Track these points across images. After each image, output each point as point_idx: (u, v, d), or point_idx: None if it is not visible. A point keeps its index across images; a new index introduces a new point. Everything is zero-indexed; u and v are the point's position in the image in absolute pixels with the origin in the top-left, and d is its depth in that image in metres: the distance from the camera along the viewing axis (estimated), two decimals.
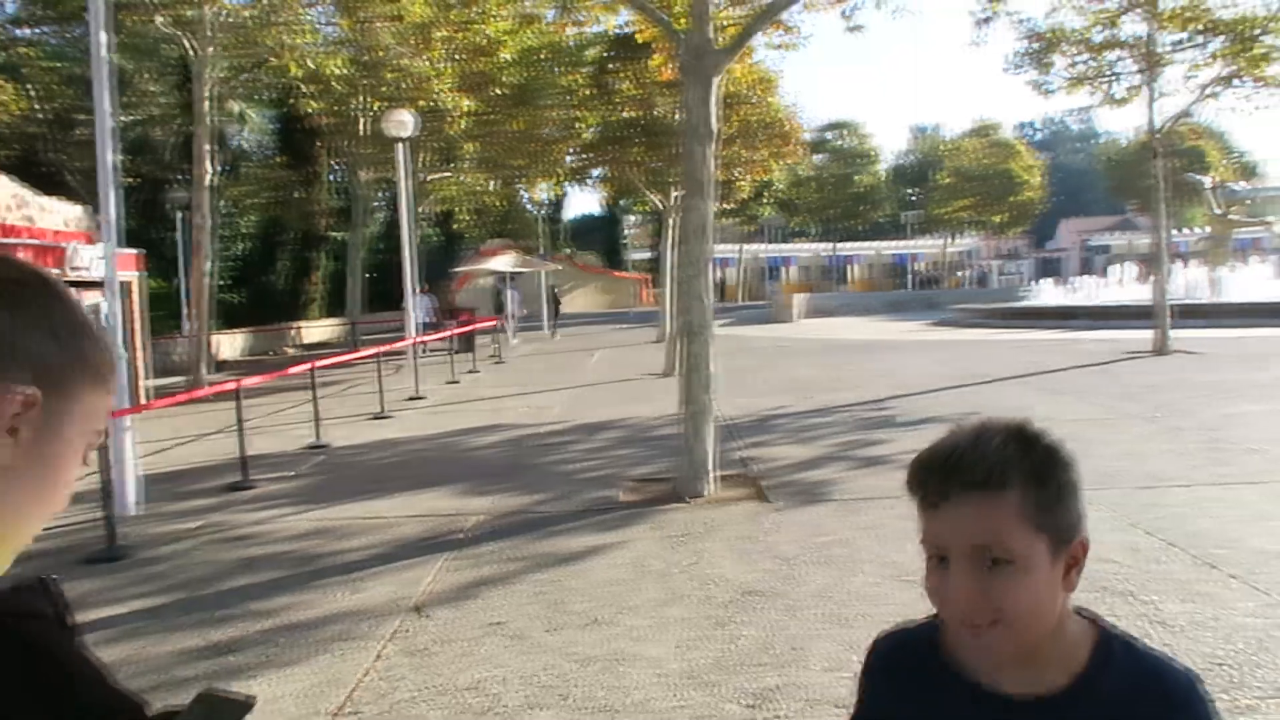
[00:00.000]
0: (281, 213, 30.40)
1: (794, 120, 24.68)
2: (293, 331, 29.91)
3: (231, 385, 8.88)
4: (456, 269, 44.78)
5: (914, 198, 56.98)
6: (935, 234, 59.79)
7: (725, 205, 28.12)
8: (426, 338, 20.29)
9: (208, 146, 16.17)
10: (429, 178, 31.27)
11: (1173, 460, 7.50)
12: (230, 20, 16.06)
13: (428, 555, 5.67)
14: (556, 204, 55.88)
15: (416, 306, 21.75)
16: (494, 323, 24.30)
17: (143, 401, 12.66)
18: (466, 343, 20.90)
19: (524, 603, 4.81)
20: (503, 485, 7.58)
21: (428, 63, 16.65)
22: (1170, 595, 4.45)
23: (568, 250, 57.33)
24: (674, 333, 12.81)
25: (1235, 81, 15.93)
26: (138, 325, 14.84)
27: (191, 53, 16.15)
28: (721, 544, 5.65)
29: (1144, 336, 16.34)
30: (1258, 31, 14.89)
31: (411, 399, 14.06)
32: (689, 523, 6.17)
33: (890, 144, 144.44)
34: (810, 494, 6.79)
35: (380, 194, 33.73)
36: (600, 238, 64.68)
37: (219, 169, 33.49)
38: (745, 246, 54.51)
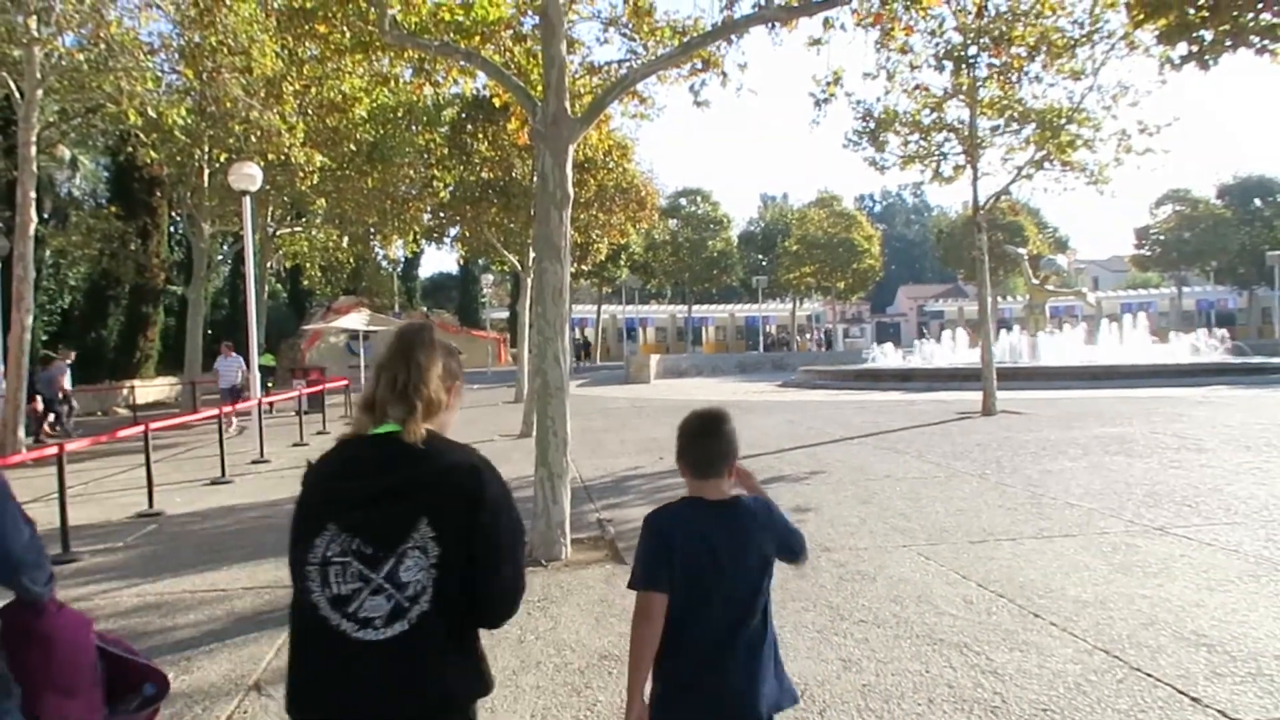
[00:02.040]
0: (114, 265, 28.70)
1: (649, 186, 25.36)
2: (125, 391, 28.08)
3: (52, 450, 8.27)
4: (306, 326, 43.38)
5: (763, 263, 59.22)
6: (783, 298, 62.22)
7: (583, 266, 28.47)
8: (273, 398, 19.48)
9: (33, 194, 15.17)
10: (277, 232, 30.34)
11: (1001, 515, 7.98)
12: (62, 63, 15.25)
13: (269, 630, 5.40)
14: (411, 261, 55.13)
15: (221, 370, 20.37)
16: (344, 383, 23.60)
17: None
18: (316, 403, 20.19)
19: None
20: None
21: (278, 116, 16.22)
22: (1000, 645, 4.73)
23: (423, 308, 56.47)
24: (530, 393, 12.78)
25: (1046, 164, 17.39)
26: None
27: (17, 94, 15.23)
28: (577, 608, 5.63)
29: (974, 397, 17.42)
30: (1063, 121, 16.40)
31: (255, 462, 13.43)
32: (545, 587, 6.13)
33: (741, 211, 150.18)
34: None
35: (224, 247, 32.40)
36: (456, 296, 64.10)
37: (44, 217, 31.49)
38: (604, 307, 55.11)
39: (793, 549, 2.52)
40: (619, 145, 20.82)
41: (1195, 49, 9.98)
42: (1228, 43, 9.83)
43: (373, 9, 8.98)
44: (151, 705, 2.53)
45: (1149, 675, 4.26)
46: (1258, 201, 55.38)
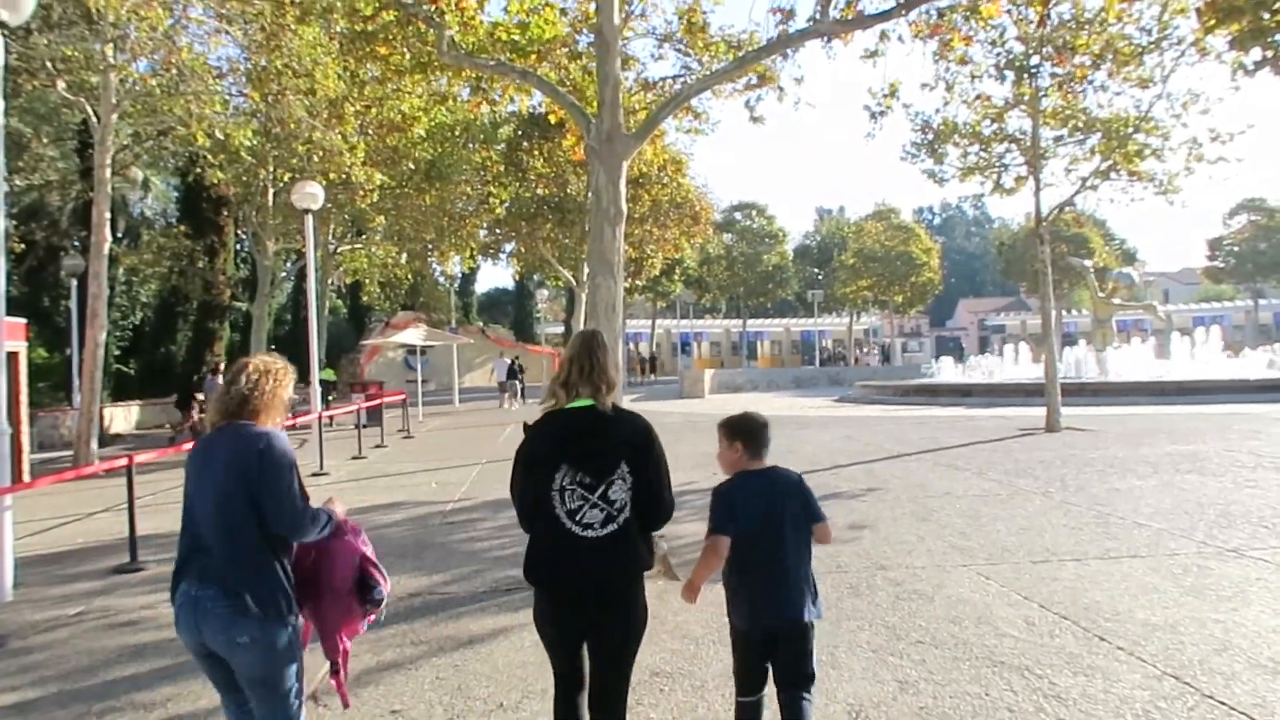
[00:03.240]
0: (182, 282, 29.59)
1: (704, 201, 25.45)
2: (194, 405, 28.84)
3: (122, 461, 8.51)
4: (365, 341, 44.16)
5: (819, 277, 58.82)
6: (839, 312, 61.70)
7: (637, 281, 28.65)
8: (332, 412, 19.81)
9: (107, 214, 15.73)
10: (338, 249, 31.00)
11: (1066, 535, 7.76)
12: (136, 88, 15.81)
13: None
14: (468, 277, 55.87)
15: (209, 389, 18.17)
16: (402, 397, 23.95)
17: (25, 479, 12.02)
18: (374, 417, 20.51)
19: (425, 689, 4.68)
20: (406, 565, 7.40)
21: (340, 136, 16.60)
22: (1063, 669, 4.59)
23: (479, 323, 57.17)
24: None
25: (1112, 175, 16.98)
26: (22, 397, 14.16)
27: (94, 119, 15.81)
28: None
29: (1037, 414, 17.02)
30: (1130, 130, 16.02)
31: (315, 475, 13.66)
32: None
33: (796, 225, 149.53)
34: (718, 571, 6.80)
35: (287, 264, 33.18)
36: (512, 311, 64.79)
37: (118, 236, 32.61)
38: (658, 322, 55.22)
39: (813, 508, 3.54)
40: (673, 160, 20.94)
41: (1270, 54, 9.69)
42: None
43: (431, 31, 9.15)
44: (379, 604, 3.35)
45: (1222, 703, 4.10)
46: None
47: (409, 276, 37.46)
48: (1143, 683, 4.38)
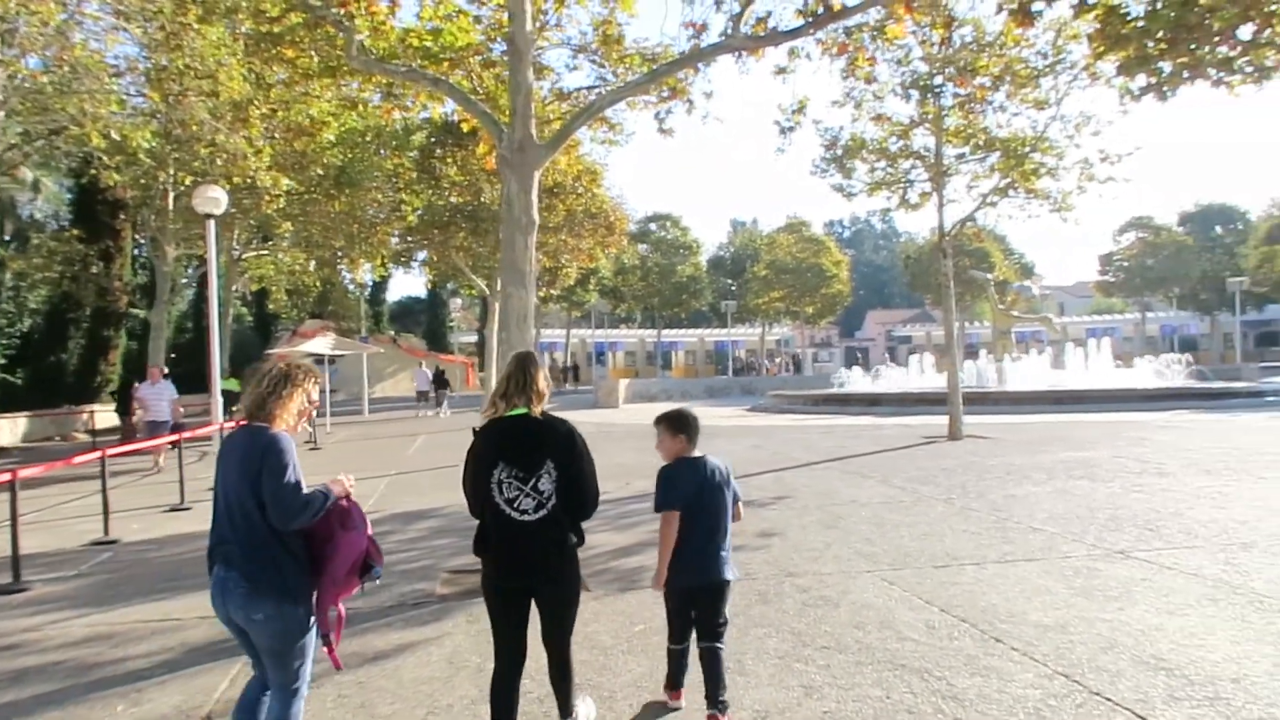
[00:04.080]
0: (75, 288, 28.31)
1: (619, 211, 25.51)
2: (84, 416, 27.59)
3: (4, 477, 8.09)
4: (271, 350, 42.93)
5: (732, 288, 59.55)
6: (752, 323, 62.55)
7: (552, 290, 28.54)
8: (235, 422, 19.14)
9: None
10: (243, 255, 30.09)
11: (966, 540, 8.01)
12: (25, 85, 15.09)
13: (224, 660, 5.29)
14: (379, 285, 54.87)
15: (149, 399, 16.19)
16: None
17: None
18: None
19: (327, 707, 4.56)
20: None
21: (245, 139, 16.12)
22: (961, 670, 4.73)
23: (390, 332, 56.16)
24: None
25: (1011, 192, 17.64)
26: None
27: None
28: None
29: (941, 422, 17.54)
30: (1027, 149, 16.68)
31: (211, 489, 13.21)
32: None
33: (710, 236, 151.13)
34: (628, 581, 6.82)
35: (189, 270, 32.08)
36: (424, 319, 63.85)
37: (5, 239, 31.05)
38: (573, 331, 55.11)
39: (735, 490, 4.40)
40: (588, 170, 20.96)
41: (1154, 80, 10.18)
42: (1185, 75, 10.03)
43: (341, 35, 8.98)
44: (375, 579, 3.66)
45: (1108, 699, 4.28)
46: (1218, 229, 56.58)
47: (317, 284, 36.63)
48: (1035, 682, 4.54)
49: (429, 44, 10.13)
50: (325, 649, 3.59)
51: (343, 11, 8.87)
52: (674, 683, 4.39)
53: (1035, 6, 9.76)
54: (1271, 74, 10.41)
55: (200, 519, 10.66)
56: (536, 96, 12.26)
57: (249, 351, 42.82)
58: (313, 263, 30.54)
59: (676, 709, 4.38)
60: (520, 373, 3.83)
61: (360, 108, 15.78)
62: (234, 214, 22.71)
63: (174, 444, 14.22)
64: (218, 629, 5.95)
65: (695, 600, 4.22)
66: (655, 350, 63.03)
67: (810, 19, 8.39)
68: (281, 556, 3.35)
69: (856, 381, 34.35)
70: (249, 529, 3.33)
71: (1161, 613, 5.61)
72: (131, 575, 7.87)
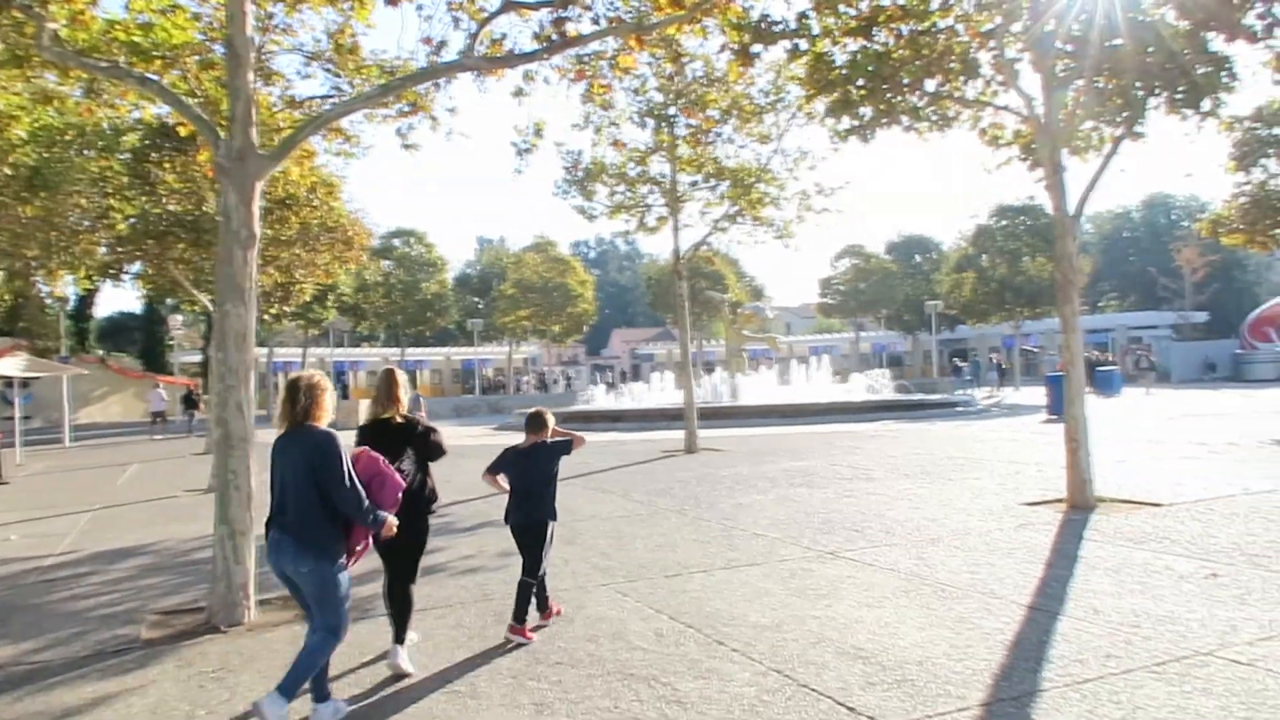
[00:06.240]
0: None
1: (358, 225, 24.59)
2: None
3: None
4: None
5: (479, 306, 59.10)
6: (500, 341, 62.37)
7: (286, 308, 26.98)
8: None
9: None
10: None
11: (696, 549, 8.40)
12: None
13: None
14: (85, 299, 49.51)
15: None
16: None
17: None
18: None
19: None
20: None
21: None
22: (685, 674, 4.95)
23: (98, 352, 50.86)
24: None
25: (739, 219, 18.80)
26: None
27: None
28: (258, 676, 5.22)
29: (679, 436, 18.31)
30: (753, 180, 17.86)
31: None
32: (224, 656, 5.65)
33: (458, 254, 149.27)
34: (359, 610, 6.55)
35: None
36: (141, 338, 58.40)
37: None
38: (311, 350, 52.27)
39: (556, 453, 6.13)
40: (324, 182, 20.08)
41: (857, 123, 11.25)
42: (883, 120, 11.17)
43: (30, 21, 8.06)
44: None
45: (814, 690, 4.64)
46: (918, 257, 63.14)
47: (6, 298, 32.53)
48: (752, 679, 4.84)
49: (139, 39, 9.30)
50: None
51: None
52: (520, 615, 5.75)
53: (754, 49, 10.49)
54: (953, 123, 11.84)
55: None
56: (265, 103, 11.63)
57: None
58: (0, 275, 27.03)
59: (524, 643, 5.60)
60: (386, 388, 5.43)
61: (57, 103, 14.19)
62: None
63: None
64: None
65: (520, 536, 5.97)
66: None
67: (546, 44, 8.54)
68: (326, 525, 4.41)
69: (601, 398, 35.12)
70: (302, 505, 4.37)
71: (862, 606, 6.16)
72: None
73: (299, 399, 4.49)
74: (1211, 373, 45.98)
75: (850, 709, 4.37)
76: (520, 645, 5.57)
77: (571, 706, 4.55)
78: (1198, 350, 49.38)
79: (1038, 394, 29.86)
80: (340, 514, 4.43)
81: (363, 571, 7.95)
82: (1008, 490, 11.19)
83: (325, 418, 4.56)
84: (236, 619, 6.25)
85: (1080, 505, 9.67)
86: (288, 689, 4.29)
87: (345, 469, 4.39)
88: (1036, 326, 53.11)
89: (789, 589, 6.71)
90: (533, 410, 6.21)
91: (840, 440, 18.75)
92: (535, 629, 5.83)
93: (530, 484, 5.93)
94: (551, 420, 6.13)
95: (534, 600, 5.90)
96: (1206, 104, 9.81)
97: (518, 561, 5.87)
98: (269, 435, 4.84)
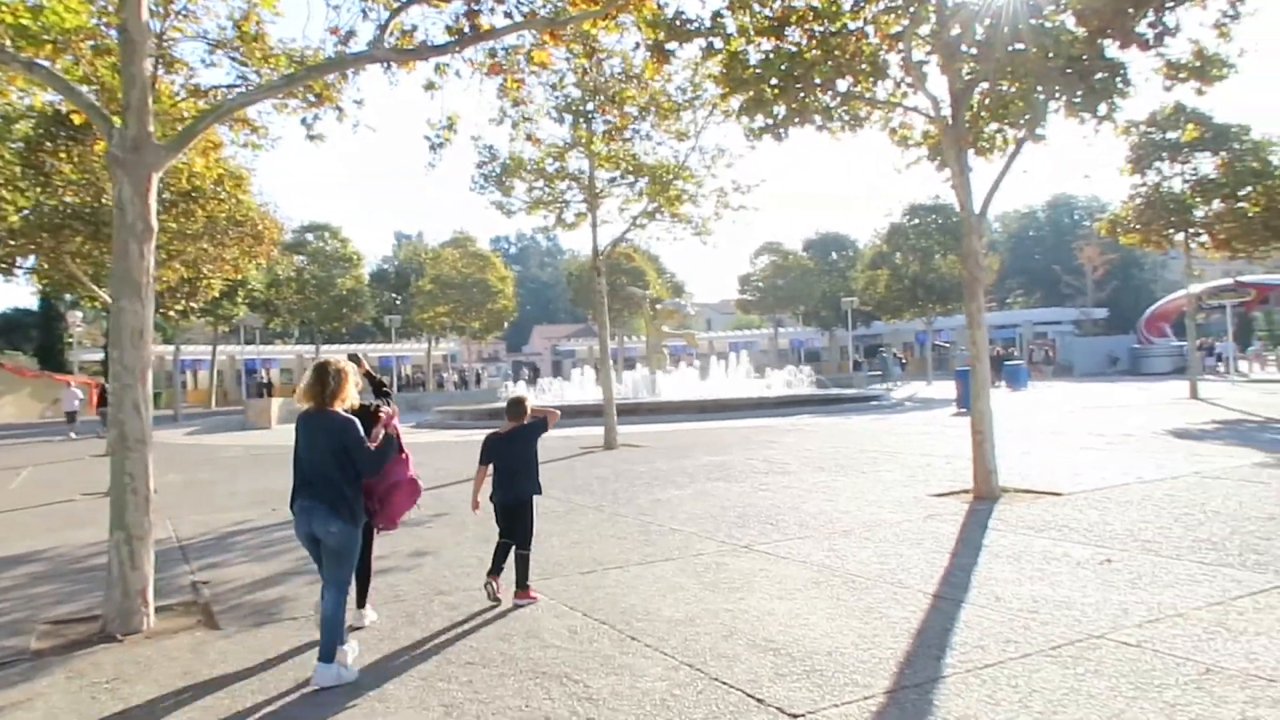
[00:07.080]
0: None
1: (269, 219, 23.89)
2: None
3: None
4: None
5: (397, 302, 58.08)
6: (418, 338, 61.43)
7: (192, 304, 26.11)
8: None
9: None
10: None
11: (613, 545, 8.40)
12: None
13: None
14: None
15: None
16: None
17: None
18: None
19: None
20: None
21: None
22: (598, 671, 4.94)
23: None
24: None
25: (657, 216, 18.87)
26: None
27: None
28: (154, 685, 5.02)
29: (599, 432, 18.29)
30: (671, 177, 17.93)
31: None
32: (119, 665, 5.43)
33: (375, 249, 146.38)
34: (265, 614, 6.38)
35: None
36: (38, 335, 55.91)
37: None
38: (220, 348, 50.62)
39: (539, 431, 6.75)
40: (232, 174, 19.43)
41: (770, 121, 11.36)
42: (795, 119, 11.30)
43: None
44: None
45: (724, 683, 4.67)
46: (834, 254, 64.27)
47: None
48: (664, 674, 4.85)
49: (26, 21, 8.87)
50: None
51: None
52: (495, 568, 6.51)
53: (669, 46, 10.52)
54: (864, 123, 12.06)
55: None
56: (167, 92, 11.22)
57: None
58: None
59: (497, 603, 6.40)
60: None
61: None
62: None
63: None
64: None
65: (505, 514, 6.62)
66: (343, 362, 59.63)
67: (458, 37, 8.41)
68: (348, 493, 4.98)
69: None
70: (328, 477, 4.95)
71: (774, 598, 6.23)
72: None
73: (328, 383, 5.02)
74: (1113, 366, 47.94)
75: (759, 701, 4.41)
76: (436, 642, 5.49)
77: (482, 707, 4.49)
78: (1100, 345, 51.44)
79: (950, 388, 30.68)
80: (360, 480, 5.08)
81: (269, 575, 7.76)
82: (918, 482, 11.47)
83: (348, 401, 5.12)
84: (134, 627, 6.02)
85: (985, 495, 9.97)
86: (326, 654, 4.84)
87: (364, 442, 5.04)
88: (948, 322, 54.62)
89: (703, 583, 6.75)
90: (514, 396, 6.85)
91: (758, 435, 18.97)
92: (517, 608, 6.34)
93: (515, 464, 6.53)
94: (530, 404, 6.75)
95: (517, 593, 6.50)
96: (1103, 108, 10.18)
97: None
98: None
